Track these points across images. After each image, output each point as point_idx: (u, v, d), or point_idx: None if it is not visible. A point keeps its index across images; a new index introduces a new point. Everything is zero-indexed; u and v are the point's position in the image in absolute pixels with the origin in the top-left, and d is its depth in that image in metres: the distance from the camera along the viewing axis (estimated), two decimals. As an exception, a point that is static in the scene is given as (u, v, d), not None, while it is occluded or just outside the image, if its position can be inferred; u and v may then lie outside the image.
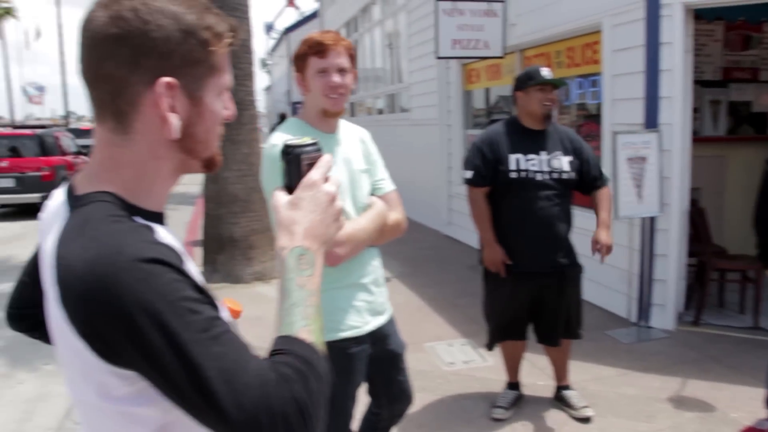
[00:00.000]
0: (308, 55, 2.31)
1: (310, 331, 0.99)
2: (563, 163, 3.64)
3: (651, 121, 5.13)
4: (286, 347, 0.96)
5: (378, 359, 2.56)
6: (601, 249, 3.66)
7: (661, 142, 5.01)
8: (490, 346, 3.98)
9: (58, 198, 1.09)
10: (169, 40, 0.98)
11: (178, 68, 0.99)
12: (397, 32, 11.98)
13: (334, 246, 2.14)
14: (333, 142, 2.38)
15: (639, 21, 5.22)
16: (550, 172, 3.60)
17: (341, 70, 2.31)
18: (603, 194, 3.78)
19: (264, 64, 38.24)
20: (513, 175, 3.59)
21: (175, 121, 1.00)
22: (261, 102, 59.33)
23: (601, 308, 5.76)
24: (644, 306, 5.27)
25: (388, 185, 2.53)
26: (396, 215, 2.46)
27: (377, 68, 13.59)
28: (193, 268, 1.02)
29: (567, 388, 4.03)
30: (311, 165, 1.13)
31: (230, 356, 0.89)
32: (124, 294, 0.86)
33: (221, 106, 1.09)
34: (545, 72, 3.62)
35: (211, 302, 0.95)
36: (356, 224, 2.28)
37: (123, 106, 1.00)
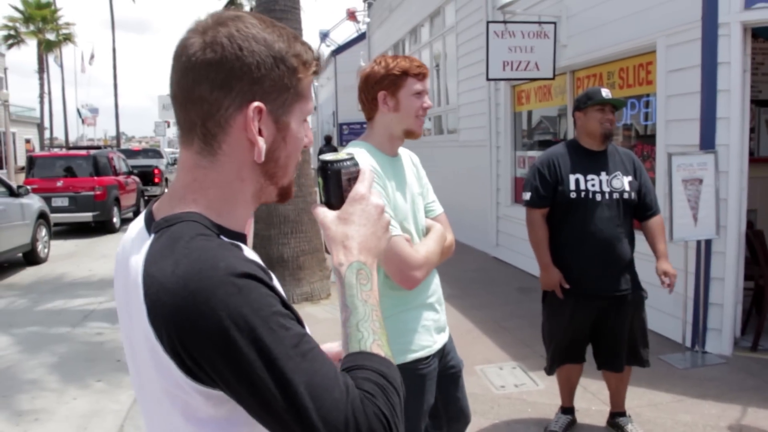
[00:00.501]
0: (408, 75, 2.34)
1: (380, 345, 1.00)
2: (624, 183, 3.59)
3: (707, 142, 5.04)
4: (361, 363, 0.96)
5: (440, 377, 2.55)
6: (670, 280, 3.63)
7: (717, 163, 4.92)
8: (549, 371, 3.90)
9: (136, 226, 1.12)
10: (262, 65, 1.01)
11: (267, 93, 1.03)
12: (444, 54, 12.05)
13: (411, 270, 2.20)
14: (397, 165, 2.42)
15: (695, 41, 5.16)
16: (611, 192, 3.56)
17: (427, 95, 2.42)
18: (657, 223, 3.72)
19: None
20: (573, 195, 3.57)
21: (262, 144, 1.03)
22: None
23: (655, 332, 5.62)
24: (699, 330, 5.15)
25: (438, 207, 2.58)
26: (450, 236, 2.51)
27: (425, 90, 13.66)
28: (278, 285, 1.04)
29: (623, 414, 3.95)
30: (351, 180, 1.13)
31: (319, 373, 0.89)
32: (218, 308, 0.87)
33: (303, 133, 1.11)
34: (605, 92, 3.60)
35: (298, 319, 0.96)
36: (428, 247, 2.32)
37: (213, 128, 1.03)
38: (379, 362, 0.97)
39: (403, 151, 2.54)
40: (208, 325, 0.88)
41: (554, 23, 7.19)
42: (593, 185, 3.57)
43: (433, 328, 2.44)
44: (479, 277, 8.16)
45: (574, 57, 7.11)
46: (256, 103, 1.01)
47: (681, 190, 4.84)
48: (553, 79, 7.33)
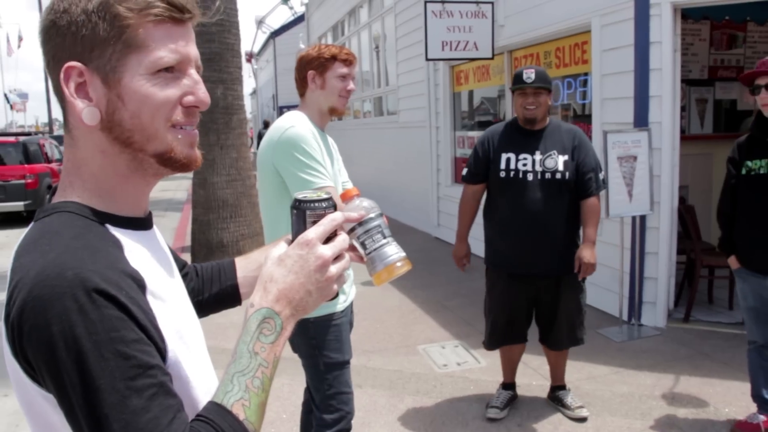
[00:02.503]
0: (336, 59, 2.66)
1: (246, 407, 0.90)
2: (558, 163, 3.56)
3: (641, 120, 5.15)
4: (210, 418, 0.88)
5: None
6: (582, 267, 3.56)
7: (651, 140, 5.03)
8: (488, 345, 3.94)
9: None
10: (74, 23, 0.91)
11: (87, 51, 0.92)
12: (384, 35, 11.98)
13: None
14: (325, 139, 2.68)
15: (628, 21, 5.25)
16: (543, 172, 3.55)
17: (354, 81, 2.73)
18: (591, 205, 3.60)
19: (251, 72, 37.78)
20: (502, 174, 3.60)
21: (81, 106, 0.93)
22: (247, 106, 59.24)
23: (593, 307, 5.75)
24: (635, 304, 5.29)
25: (350, 185, 2.81)
26: None
27: (364, 71, 13.59)
28: (164, 292, 0.96)
29: (562, 388, 4.02)
30: (316, 223, 1.03)
31: (148, 414, 0.81)
32: (52, 322, 0.80)
33: (160, 88, 0.95)
34: (526, 75, 3.55)
35: (157, 345, 0.87)
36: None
37: (60, 101, 0.96)
38: (230, 424, 0.89)
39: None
40: (39, 337, 0.81)
41: (492, 3, 7.20)
42: (524, 165, 3.58)
43: (347, 285, 2.68)
44: (422, 258, 8.18)
45: (511, 37, 7.15)
46: (68, 63, 0.92)
47: (616, 167, 4.94)
48: (492, 59, 7.35)
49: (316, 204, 1.04)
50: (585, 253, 3.55)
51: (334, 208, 1.06)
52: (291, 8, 25.71)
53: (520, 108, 3.61)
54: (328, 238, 1.03)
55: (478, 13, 7.20)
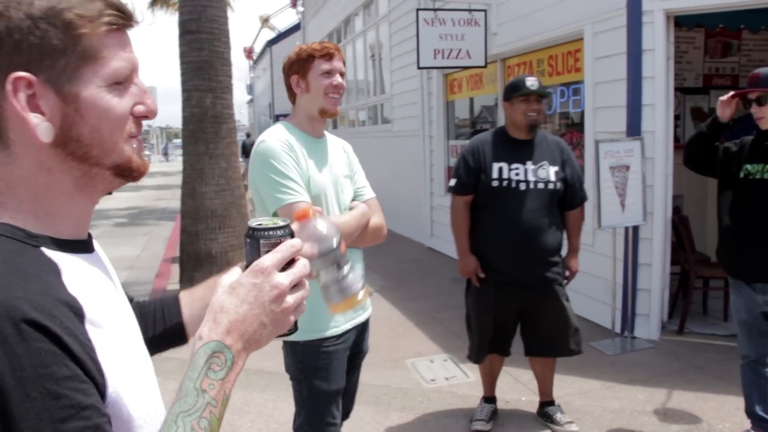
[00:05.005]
0: (315, 57, 2.47)
1: None
2: (550, 173, 3.56)
3: (634, 129, 5.07)
4: None
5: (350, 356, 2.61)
6: (570, 276, 3.71)
7: (643, 149, 4.95)
8: (476, 359, 3.87)
9: None
10: (16, 30, 0.82)
11: (35, 61, 0.84)
12: (379, 43, 11.94)
13: None
14: (320, 146, 2.53)
15: (621, 28, 5.18)
16: (536, 182, 3.53)
17: (341, 74, 2.51)
18: (576, 215, 3.74)
19: (249, 91, 37.58)
20: (495, 183, 3.54)
21: (36, 121, 0.84)
22: (244, 115, 59.14)
23: (585, 319, 5.66)
24: (628, 316, 5.20)
25: (369, 192, 2.66)
26: (377, 220, 2.59)
27: (359, 80, 13.55)
28: (106, 321, 0.86)
29: (551, 403, 3.93)
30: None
31: None
32: None
33: (117, 99, 0.90)
34: (530, 82, 3.55)
35: (94, 380, 0.79)
36: (342, 218, 2.42)
37: None
38: None
39: (335, 139, 2.67)
40: None
41: (484, 11, 7.15)
42: (517, 174, 3.53)
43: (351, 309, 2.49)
44: (414, 268, 8.10)
45: (504, 45, 7.08)
46: (15, 74, 0.83)
47: (609, 177, 4.85)
48: (485, 67, 7.29)
49: (271, 232, 0.97)
50: (573, 262, 3.71)
51: (291, 235, 1.00)
52: (273, 28, 25.71)
53: (522, 114, 3.56)
54: (287, 264, 0.96)
55: (470, 21, 7.15)
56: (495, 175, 3.54)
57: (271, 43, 28.41)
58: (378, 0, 11.58)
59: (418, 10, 7.26)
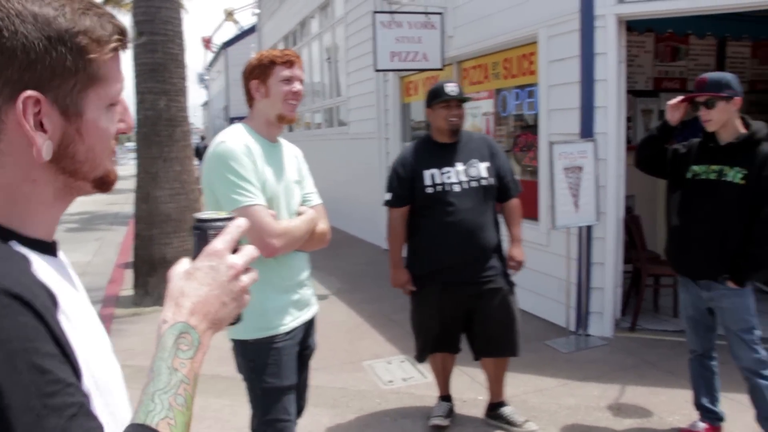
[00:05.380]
0: (276, 63, 2.51)
1: (172, 426, 0.83)
2: (481, 169, 3.63)
3: (587, 131, 5.17)
4: None
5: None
6: (515, 266, 3.75)
7: (596, 151, 5.04)
8: (420, 358, 3.92)
9: None
10: (31, 49, 0.83)
11: (44, 81, 0.85)
12: (335, 46, 11.92)
13: (269, 237, 2.31)
14: (275, 151, 2.56)
15: (574, 32, 5.27)
16: (469, 181, 3.59)
17: (300, 81, 2.56)
18: (514, 206, 3.79)
19: (201, 80, 37.42)
20: (429, 190, 3.58)
21: (42, 141, 0.85)
22: (199, 118, 58.38)
23: (540, 318, 5.76)
24: (582, 314, 5.29)
25: (316, 198, 2.71)
26: (323, 225, 2.65)
27: (316, 83, 13.50)
28: (76, 317, 0.87)
29: (503, 404, 3.95)
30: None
31: None
32: None
33: (110, 120, 0.94)
34: (449, 88, 3.62)
35: (73, 365, 0.79)
36: (291, 222, 2.48)
37: None
38: None
39: (288, 144, 2.72)
40: None
41: (441, 14, 7.20)
42: (449, 177, 3.58)
43: (294, 307, 2.56)
44: (370, 271, 8.09)
45: (460, 48, 7.14)
46: (27, 93, 0.83)
47: (562, 178, 4.93)
48: (441, 69, 7.33)
49: (218, 222, 1.01)
50: (516, 252, 3.74)
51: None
52: (237, 23, 25.48)
53: (443, 120, 3.63)
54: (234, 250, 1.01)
55: (427, 23, 7.19)
56: (428, 181, 3.58)
57: (226, 45, 28.12)
58: (334, 2, 11.56)
59: (374, 12, 7.27)
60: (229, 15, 25.81)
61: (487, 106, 6.91)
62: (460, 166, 3.61)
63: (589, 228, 5.20)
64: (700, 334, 3.55)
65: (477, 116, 7.10)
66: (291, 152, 2.69)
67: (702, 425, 3.63)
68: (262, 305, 2.44)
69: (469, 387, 4.22)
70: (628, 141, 6.49)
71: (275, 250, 2.35)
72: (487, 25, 6.55)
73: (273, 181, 2.45)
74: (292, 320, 2.54)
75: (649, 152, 3.57)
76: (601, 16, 5.12)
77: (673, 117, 3.44)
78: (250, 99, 2.59)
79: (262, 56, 2.57)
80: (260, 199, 2.34)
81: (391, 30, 7.11)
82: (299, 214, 2.56)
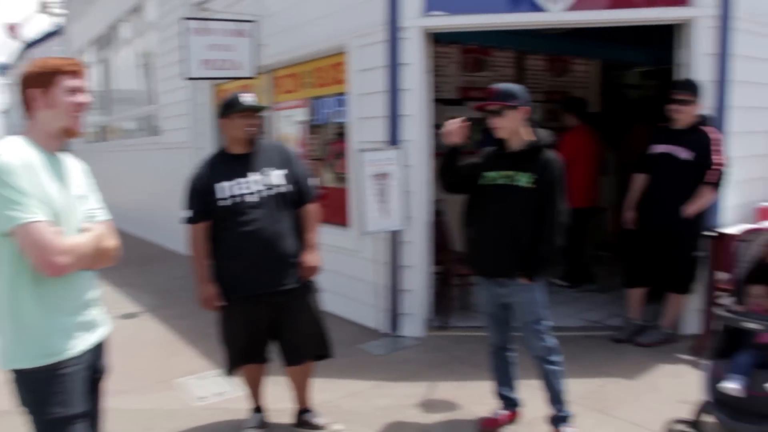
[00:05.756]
0: (60, 72, 2.37)
1: None
2: (276, 177, 3.62)
3: (393, 138, 5.33)
4: None
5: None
6: (308, 272, 3.70)
7: (403, 158, 5.21)
8: (229, 372, 3.84)
9: None
10: None
11: None
12: (147, 51, 11.41)
13: (53, 255, 2.16)
14: (57, 164, 2.40)
15: (381, 43, 5.42)
16: (265, 190, 3.58)
17: (85, 92, 2.43)
18: (309, 212, 3.78)
19: (2, 72, 33.87)
20: (224, 203, 3.54)
21: None
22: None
23: (353, 322, 5.85)
24: (394, 317, 5.44)
25: (103, 214, 2.58)
26: (111, 242, 2.51)
27: (127, 90, 12.85)
28: None
29: (308, 410, 3.97)
30: None
31: None
32: None
33: None
34: (246, 98, 3.62)
35: None
36: (78, 239, 2.33)
37: None
38: None
39: (70, 158, 2.56)
40: None
41: (254, 21, 7.12)
42: (243, 188, 3.56)
43: (82, 329, 2.40)
44: (186, 284, 7.72)
45: (274, 56, 7.10)
46: None
47: (371, 184, 5.05)
48: (254, 78, 7.25)
49: None
50: (308, 257, 3.69)
51: None
52: (53, 15, 23.52)
53: (241, 129, 3.60)
54: None
55: (240, 31, 7.09)
56: (222, 194, 3.54)
57: (30, 46, 25.98)
58: (146, 6, 11.07)
59: (185, 19, 7.05)
60: (44, 6, 23.66)
61: (301, 114, 6.93)
62: (255, 176, 3.59)
63: (398, 232, 5.36)
64: (498, 329, 3.79)
65: (291, 125, 7.11)
66: (75, 166, 2.55)
67: (502, 412, 3.89)
68: (44, 329, 2.27)
69: (283, 396, 4.17)
70: (438, 148, 6.78)
71: (61, 268, 2.21)
72: (299, 34, 6.58)
73: (57, 197, 2.30)
74: (80, 343, 2.38)
75: (450, 178, 3.73)
76: (407, 28, 5.31)
77: (450, 140, 3.64)
78: (28, 109, 2.40)
79: (45, 64, 2.41)
80: (41, 215, 2.18)
81: (203, 37, 6.92)
82: (85, 230, 2.41)
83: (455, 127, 3.61)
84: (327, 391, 4.14)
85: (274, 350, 3.82)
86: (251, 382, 3.92)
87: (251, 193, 3.54)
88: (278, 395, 4.07)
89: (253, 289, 3.57)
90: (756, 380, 3.28)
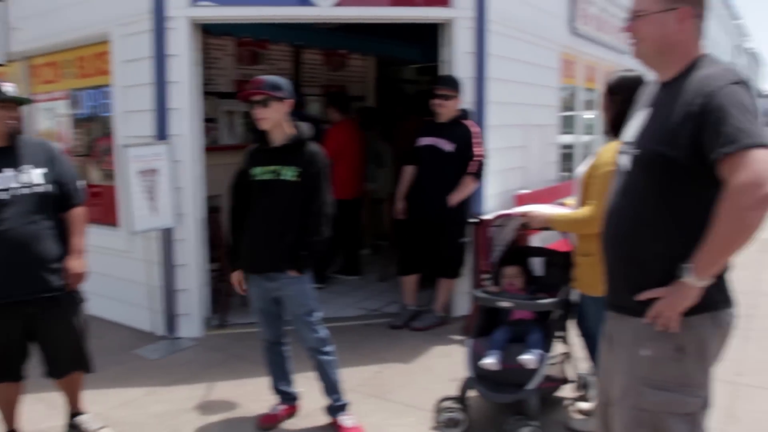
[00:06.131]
0: None
1: None
2: (34, 176, 3.39)
3: (161, 133, 5.12)
4: None
5: None
6: (69, 278, 3.45)
7: (172, 153, 5.03)
8: None
9: None
10: None
11: None
12: None
13: None
14: None
15: (147, 32, 5.16)
16: (19, 188, 3.34)
17: None
18: (77, 215, 3.57)
19: None
20: None
21: None
22: None
23: (127, 326, 5.57)
24: (171, 318, 5.26)
25: None
26: None
27: None
28: None
29: (80, 413, 3.76)
30: None
31: None
32: None
33: None
34: (6, 88, 3.38)
35: None
36: None
37: None
38: None
39: None
40: None
41: (2, 1, 6.44)
42: None
43: None
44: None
45: (28, 42, 6.48)
46: None
47: (137, 182, 4.81)
48: (4, 65, 6.58)
49: None
50: (72, 263, 3.46)
51: None
52: None
53: (1, 122, 3.36)
54: None
55: (-14, 12, 6.38)
56: None
57: None
58: None
59: None
60: None
61: (63, 107, 6.42)
62: (9, 172, 3.33)
63: (169, 230, 5.18)
64: (270, 324, 3.80)
65: (52, 118, 6.56)
66: None
67: (280, 407, 3.91)
68: None
69: (48, 415, 3.87)
70: (214, 142, 6.64)
71: None
72: (57, 18, 6.06)
73: None
74: None
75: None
76: (173, 18, 5.11)
77: None
78: None
79: None
80: None
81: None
82: None
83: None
84: (97, 402, 3.90)
85: (33, 365, 3.53)
86: (4, 403, 3.57)
87: (4, 190, 3.28)
88: (42, 414, 3.77)
89: (2, 297, 3.28)
90: (510, 354, 3.61)
